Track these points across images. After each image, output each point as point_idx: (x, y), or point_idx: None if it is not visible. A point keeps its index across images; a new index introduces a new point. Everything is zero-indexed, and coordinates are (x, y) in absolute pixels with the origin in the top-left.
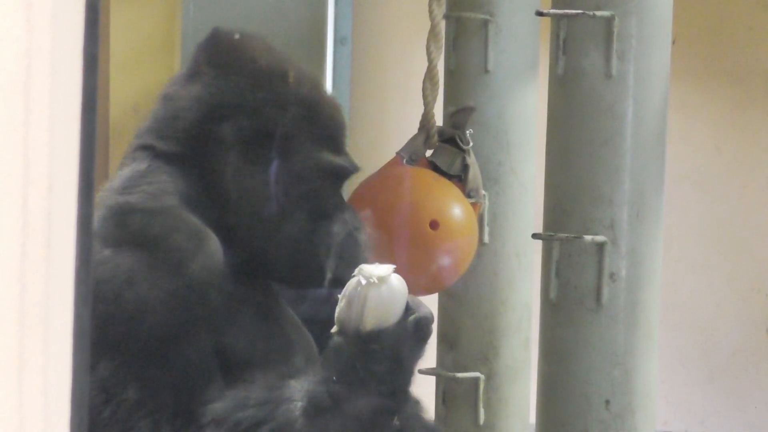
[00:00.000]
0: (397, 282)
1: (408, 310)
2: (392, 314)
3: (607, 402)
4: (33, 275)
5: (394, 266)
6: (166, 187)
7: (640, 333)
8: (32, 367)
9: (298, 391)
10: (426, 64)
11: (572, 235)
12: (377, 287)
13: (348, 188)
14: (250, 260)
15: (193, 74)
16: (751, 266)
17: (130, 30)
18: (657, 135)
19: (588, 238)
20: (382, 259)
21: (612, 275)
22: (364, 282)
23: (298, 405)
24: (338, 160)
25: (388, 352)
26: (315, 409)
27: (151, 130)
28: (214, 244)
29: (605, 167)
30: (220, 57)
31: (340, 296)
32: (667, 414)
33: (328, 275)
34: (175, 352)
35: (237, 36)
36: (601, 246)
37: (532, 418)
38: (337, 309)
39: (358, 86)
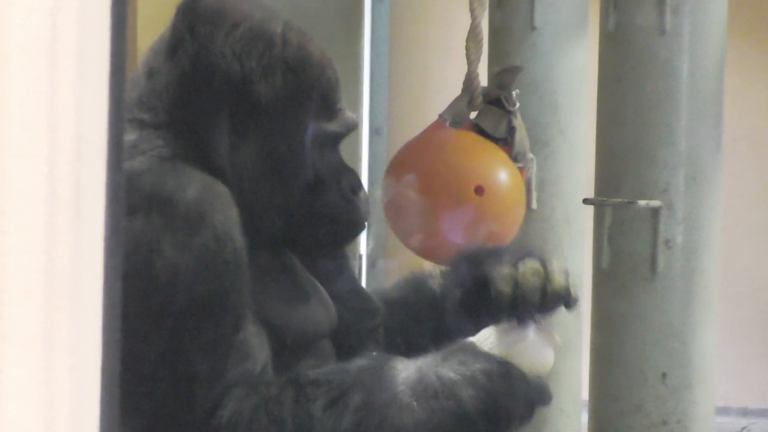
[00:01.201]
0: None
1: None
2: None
3: (664, 375)
4: (61, 246)
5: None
6: (162, 153)
7: (698, 302)
8: (61, 342)
9: (405, 367)
10: (469, 21)
11: (625, 200)
12: (543, 349)
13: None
14: (257, 225)
15: (175, 44)
16: None
17: None
18: (714, 93)
19: (642, 203)
20: (425, 227)
21: (667, 242)
22: (540, 339)
23: (400, 378)
24: (330, 127)
25: (509, 391)
26: (418, 387)
27: (138, 104)
28: (227, 193)
29: (659, 128)
30: (201, 25)
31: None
32: (724, 388)
33: (331, 241)
34: (222, 310)
35: None
36: (655, 211)
37: (585, 393)
38: (506, 326)
39: (398, 46)
